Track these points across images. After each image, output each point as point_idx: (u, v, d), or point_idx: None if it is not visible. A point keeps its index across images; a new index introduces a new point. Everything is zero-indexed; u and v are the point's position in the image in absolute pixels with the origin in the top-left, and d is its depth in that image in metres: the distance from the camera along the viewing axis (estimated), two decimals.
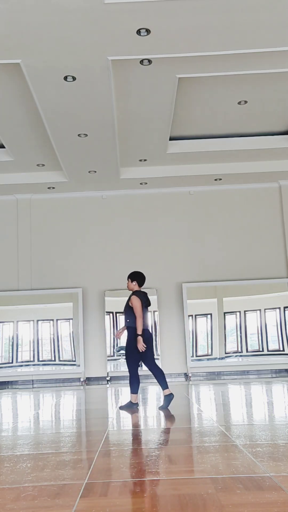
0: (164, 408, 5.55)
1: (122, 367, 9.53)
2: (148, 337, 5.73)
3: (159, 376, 5.65)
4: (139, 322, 5.59)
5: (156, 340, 9.47)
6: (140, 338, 5.54)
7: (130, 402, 5.74)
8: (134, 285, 5.91)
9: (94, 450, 3.52)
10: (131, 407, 5.71)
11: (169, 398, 5.60)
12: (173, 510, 2.18)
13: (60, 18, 4.67)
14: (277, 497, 2.29)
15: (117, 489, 2.52)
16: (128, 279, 5.96)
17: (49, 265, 9.83)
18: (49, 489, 2.58)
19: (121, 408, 5.75)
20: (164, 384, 5.64)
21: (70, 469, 3.00)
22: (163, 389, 5.64)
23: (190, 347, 9.35)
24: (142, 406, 5.91)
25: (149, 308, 5.90)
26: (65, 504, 2.34)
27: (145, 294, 5.90)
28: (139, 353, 5.64)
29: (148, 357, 5.69)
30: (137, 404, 5.74)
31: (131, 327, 5.71)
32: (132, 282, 5.92)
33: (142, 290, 5.99)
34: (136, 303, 5.69)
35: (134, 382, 5.72)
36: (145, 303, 5.79)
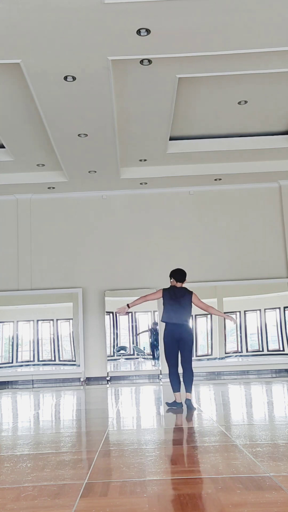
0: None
1: (122, 367, 9.54)
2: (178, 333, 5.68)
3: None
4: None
5: (156, 340, 9.47)
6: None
7: (174, 401, 5.61)
8: (172, 282, 5.96)
9: (94, 450, 3.52)
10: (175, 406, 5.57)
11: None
12: (173, 510, 2.18)
13: (60, 18, 4.67)
14: (277, 497, 2.29)
15: (117, 489, 2.52)
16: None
17: (49, 265, 9.83)
18: (49, 489, 2.58)
19: (167, 404, 5.63)
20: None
21: (70, 469, 3.00)
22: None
23: None
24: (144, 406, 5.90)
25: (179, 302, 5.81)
26: (65, 504, 2.34)
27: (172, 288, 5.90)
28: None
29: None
30: (180, 404, 5.57)
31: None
32: (170, 279, 5.97)
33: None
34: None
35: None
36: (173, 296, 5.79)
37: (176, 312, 5.68)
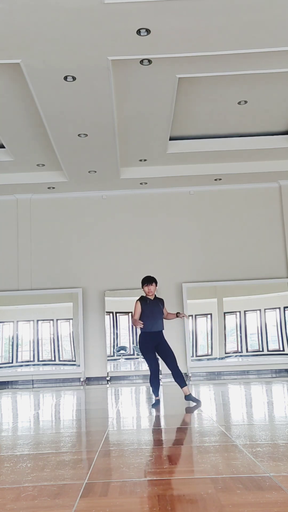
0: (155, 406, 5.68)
1: (122, 367, 9.54)
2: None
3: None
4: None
5: None
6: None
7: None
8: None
9: (94, 450, 3.52)
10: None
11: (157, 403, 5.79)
12: (173, 510, 2.18)
13: (60, 18, 4.67)
14: (277, 497, 2.29)
15: (117, 489, 2.52)
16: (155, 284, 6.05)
17: (49, 265, 9.83)
18: (49, 489, 2.58)
19: (153, 406, 5.76)
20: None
21: (70, 469, 3.00)
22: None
23: (190, 347, 9.35)
24: (142, 406, 5.90)
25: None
26: (65, 504, 2.34)
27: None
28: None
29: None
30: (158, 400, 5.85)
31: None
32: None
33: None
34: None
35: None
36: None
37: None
